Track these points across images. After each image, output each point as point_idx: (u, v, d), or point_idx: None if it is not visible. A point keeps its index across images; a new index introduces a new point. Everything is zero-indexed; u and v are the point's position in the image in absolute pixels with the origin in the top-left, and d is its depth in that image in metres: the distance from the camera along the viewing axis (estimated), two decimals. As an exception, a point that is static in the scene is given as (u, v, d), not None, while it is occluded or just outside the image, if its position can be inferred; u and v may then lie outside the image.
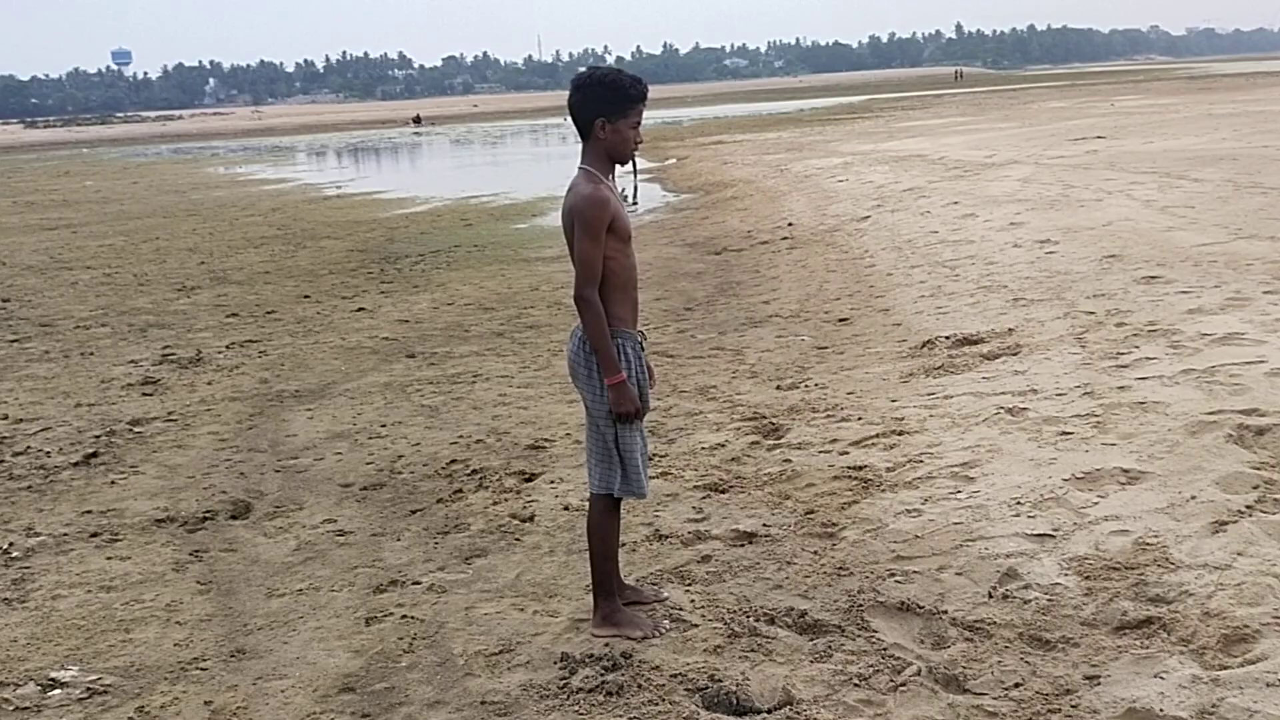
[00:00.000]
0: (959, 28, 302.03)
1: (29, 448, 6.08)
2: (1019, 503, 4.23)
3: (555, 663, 3.37)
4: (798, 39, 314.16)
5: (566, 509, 4.72)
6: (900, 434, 5.26)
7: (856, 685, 3.12)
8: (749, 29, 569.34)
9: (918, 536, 4.08)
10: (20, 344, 9.13)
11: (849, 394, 6.14)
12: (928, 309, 8.07)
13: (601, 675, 3.24)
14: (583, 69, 3.64)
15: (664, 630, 3.50)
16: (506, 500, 4.92)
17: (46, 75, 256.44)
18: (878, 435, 5.28)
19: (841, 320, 8.21)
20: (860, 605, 3.58)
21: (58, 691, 3.39)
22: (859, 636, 3.40)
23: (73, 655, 3.64)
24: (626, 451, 3.48)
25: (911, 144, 23.35)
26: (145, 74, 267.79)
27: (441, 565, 4.26)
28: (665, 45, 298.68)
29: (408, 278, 12.02)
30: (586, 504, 4.71)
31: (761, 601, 3.66)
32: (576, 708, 3.11)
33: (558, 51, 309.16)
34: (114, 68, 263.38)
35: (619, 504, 3.60)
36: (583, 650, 3.41)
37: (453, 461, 5.56)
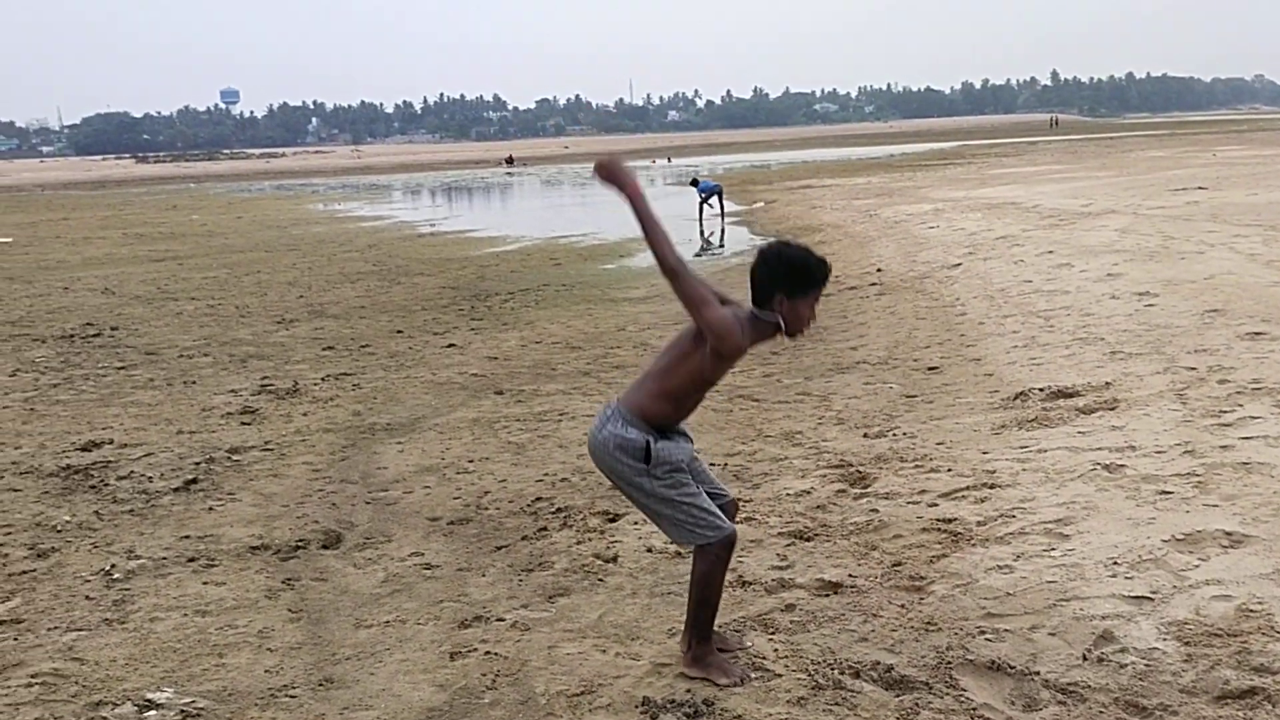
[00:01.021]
0: (1055, 75, 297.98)
1: (132, 472, 6.30)
2: (1116, 563, 4.11)
3: (636, 707, 3.36)
4: (889, 84, 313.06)
5: (649, 551, 4.72)
6: (992, 487, 5.15)
7: (944, 745, 3.05)
8: (840, 74, 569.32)
9: (1009, 594, 3.99)
10: (127, 371, 9.49)
11: (939, 444, 6.04)
12: (1021, 360, 7.92)
13: (683, 722, 3.22)
14: (771, 244, 3.63)
15: (749, 679, 3.48)
16: (590, 540, 4.94)
17: (158, 112, 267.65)
18: (968, 488, 5.18)
19: (931, 369, 8.10)
20: (949, 663, 3.51)
21: (153, 713, 3.49)
22: (947, 695, 3.32)
23: (168, 677, 3.75)
24: (683, 504, 3.44)
25: (1005, 191, 23.03)
26: (251, 112, 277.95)
27: (525, 603, 4.29)
28: (755, 89, 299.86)
29: (497, 315, 12.21)
30: (669, 545, 4.73)
31: (847, 654, 3.61)
32: (657, 753, 3.09)
33: (648, 95, 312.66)
34: (222, 106, 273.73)
35: (729, 549, 3.52)
36: (664, 695, 3.40)
37: (538, 499, 5.60)
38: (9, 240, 24.37)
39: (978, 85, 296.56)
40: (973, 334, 9.13)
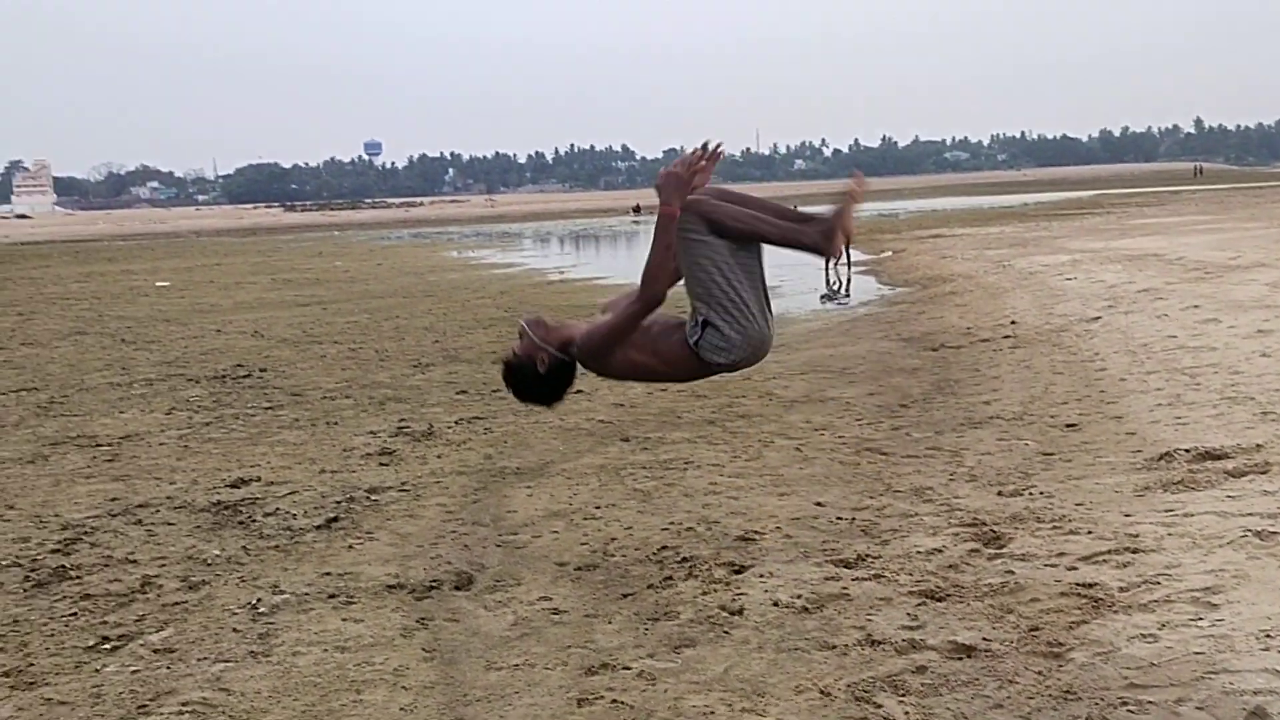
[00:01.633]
0: (1199, 122, 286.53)
1: (278, 509, 6.59)
2: (1269, 635, 3.90)
3: (763, 763, 3.34)
4: (1023, 132, 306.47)
5: (776, 605, 4.69)
6: (1135, 551, 4.96)
7: (1084, 820, 2.94)
8: (971, 121, 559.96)
9: (1154, 664, 3.83)
10: (274, 411, 9.94)
11: (1078, 505, 5.85)
12: (1165, 418, 7.61)
13: (811, 781, 3.18)
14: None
15: None
16: (716, 591, 4.94)
17: (305, 163, 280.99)
18: (1110, 551, 5.00)
19: (1069, 426, 7.85)
20: (1088, 733, 3.39)
21: (295, 743, 3.63)
22: (1087, 767, 3.20)
23: (309, 711, 3.89)
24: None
25: (1147, 242, 22.24)
26: (393, 163, 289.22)
27: (651, 652, 4.31)
28: (884, 137, 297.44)
29: (624, 363, 12.34)
30: (796, 600, 4.70)
31: None
32: (784, 812, 3.07)
33: (775, 144, 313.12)
34: (365, 157, 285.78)
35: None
36: (791, 753, 3.37)
37: (664, 548, 5.63)
38: (167, 284, 25.84)
39: (1116, 133, 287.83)
40: (1113, 390, 8.82)
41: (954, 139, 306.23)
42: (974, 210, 52.21)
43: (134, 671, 4.28)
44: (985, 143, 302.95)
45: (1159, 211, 37.14)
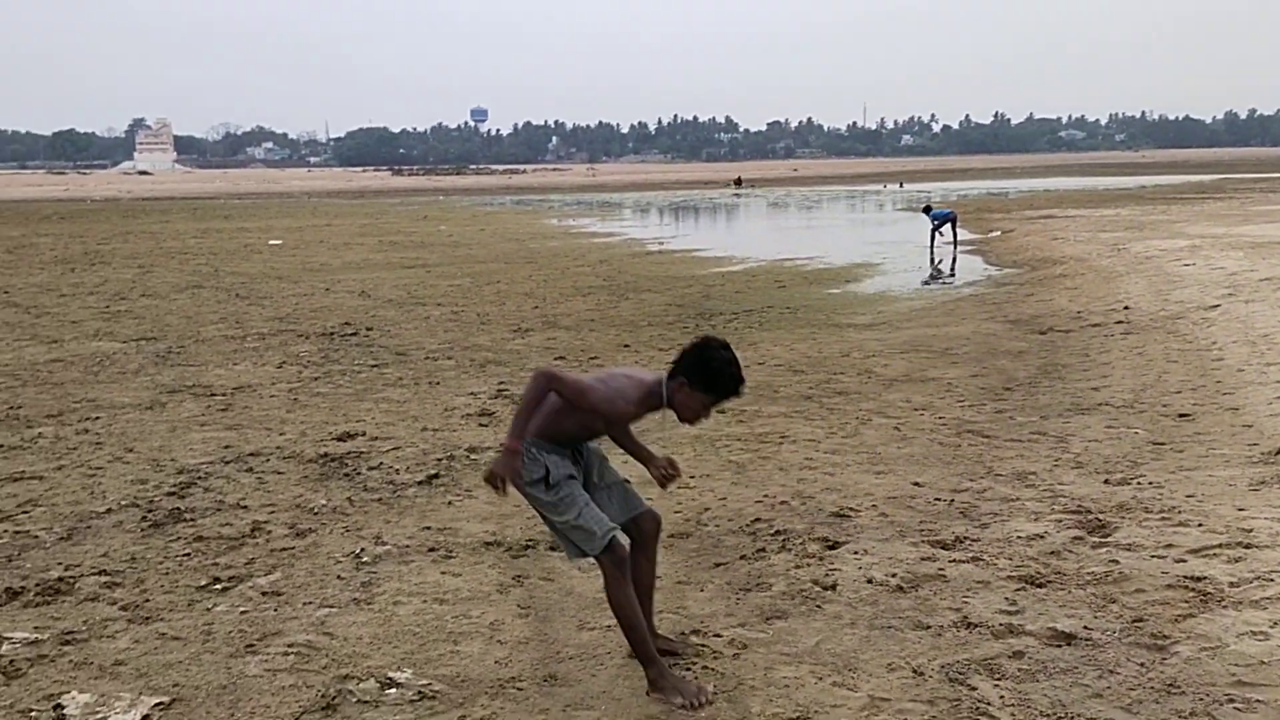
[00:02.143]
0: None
1: (382, 464, 6.77)
2: (1393, 641, 3.74)
3: (853, 737, 3.33)
4: (1143, 112, 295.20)
5: (870, 582, 4.66)
6: (1248, 547, 4.79)
7: (1184, 816, 2.87)
8: (1089, 100, 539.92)
9: (1264, 662, 3.70)
10: (379, 369, 10.19)
11: (1188, 497, 5.66)
12: (1286, 412, 7.30)
13: (901, 758, 3.17)
14: (711, 340, 3.79)
15: (708, 699, 3.59)
16: (809, 565, 4.93)
17: (413, 128, 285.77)
18: (1221, 545, 4.83)
19: (1182, 415, 7.59)
20: (1192, 729, 3.30)
21: (394, 691, 3.74)
22: (1189, 763, 3.12)
23: (408, 659, 4.01)
24: (562, 519, 3.66)
25: (1271, 229, 21.26)
26: (498, 130, 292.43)
27: (742, 622, 4.32)
28: (996, 114, 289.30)
29: (721, 334, 12.29)
30: (891, 578, 4.66)
31: (1079, 708, 3.45)
32: (873, 787, 3.06)
33: (882, 119, 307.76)
34: (471, 124, 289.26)
35: (619, 567, 3.66)
36: (882, 729, 3.35)
37: (757, 520, 5.63)
38: (279, 243, 26.60)
39: (1243, 115, 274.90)
40: (1230, 381, 8.48)
41: (1070, 117, 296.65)
42: (1088, 191, 50.56)
43: (243, 612, 4.46)
44: (1103, 122, 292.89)
45: (1287, 197, 35.43)
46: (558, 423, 3.70)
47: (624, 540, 3.78)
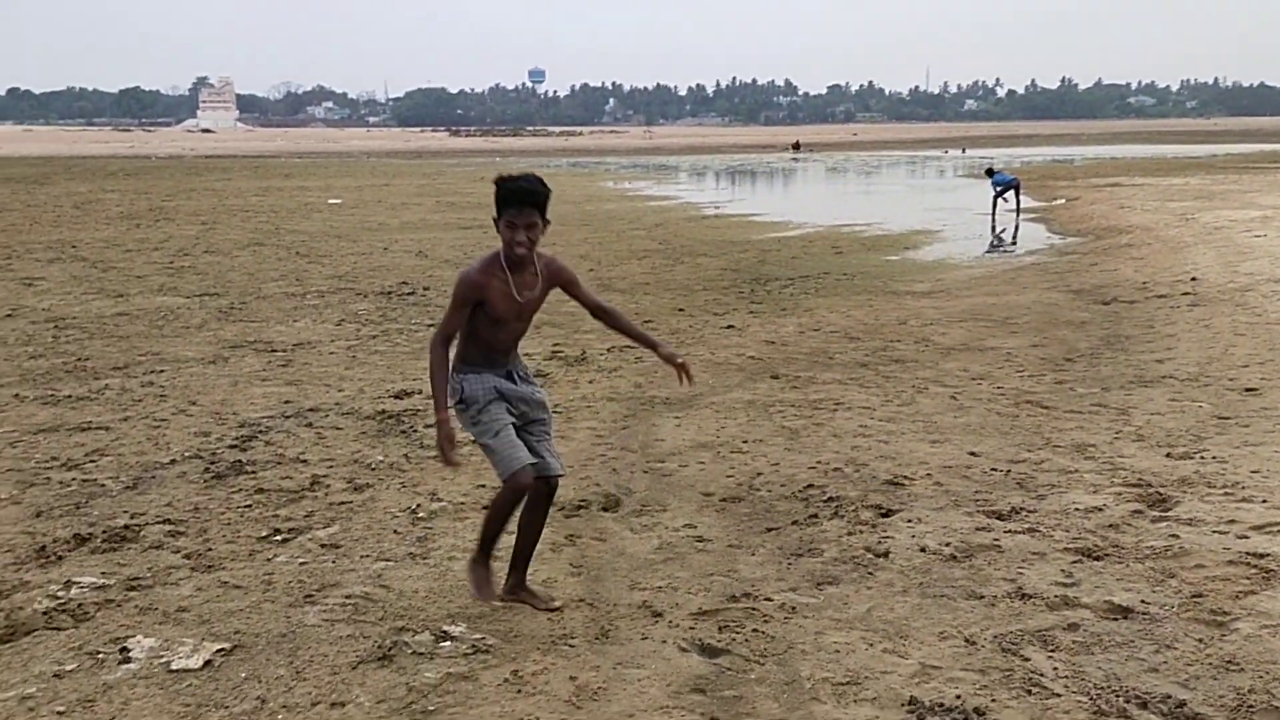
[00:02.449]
0: None
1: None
2: None
3: (903, 705, 3.33)
4: (1216, 78, 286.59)
5: (923, 550, 4.63)
6: (1315, 525, 4.68)
7: (1241, 794, 2.83)
8: (1160, 66, 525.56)
9: (1329, 643, 3.62)
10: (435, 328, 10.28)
11: (1254, 472, 5.54)
12: (1359, 388, 7.10)
13: (951, 726, 3.16)
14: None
15: (492, 605, 4.03)
16: (862, 532, 4.91)
17: (471, 89, 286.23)
18: (1286, 523, 4.73)
19: (1249, 390, 7.41)
20: (1250, 706, 3.25)
21: (448, 644, 3.80)
22: (1247, 741, 3.08)
23: (462, 613, 4.07)
24: (489, 448, 3.95)
25: (1351, 199, 20.58)
26: (555, 92, 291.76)
27: (793, 586, 4.32)
28: (1063, 79, 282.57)
29: (776, 300, 12.26)
30: (945, 547, 4.63)
31: (1134, 682, 3.41)
32: (923, 754, 3.05)
33: (945, 83, 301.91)
34: (529, 85, 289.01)
35: (514, 493, 3.95)
36: (933, 698, 3.35)
37: (810, 486, 5.61)
38: (339, 202, 26.86)
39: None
40: (1302, 356, 8.26)
41: (1140, 83, 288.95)
42: (1157, 159, 49.32)
43: (302, 563, 4.55)
44: (1174, 88, 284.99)
45: (1367, 168, 34.28)
46: (463, 349, 3.98)
47: (530, 478, 3.95)
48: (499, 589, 4.13)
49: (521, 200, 3.88)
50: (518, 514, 4.07)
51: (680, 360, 4.14)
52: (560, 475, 4.15)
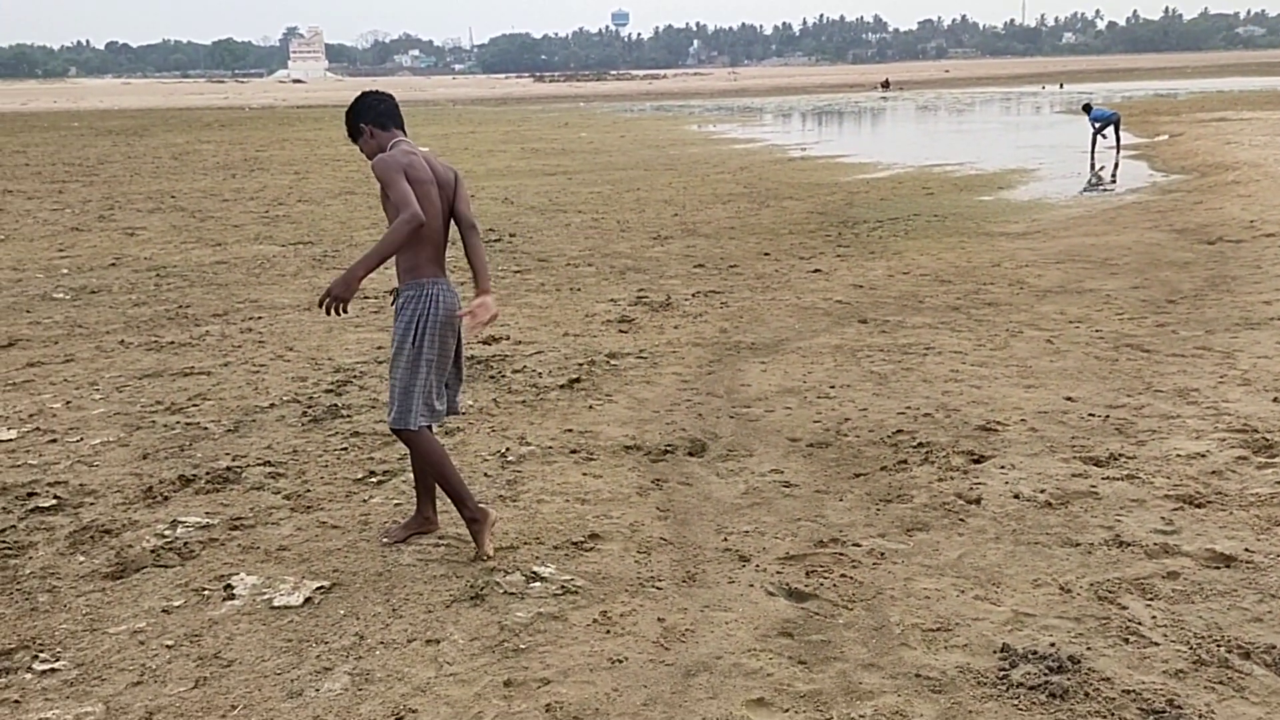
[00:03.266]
0: None
1: (525, 367, 6.92)
2: None
3: (995, 652, 3.29)
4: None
5: (1016, 497, 4.55)
6: None
7: (1350, 749, 2.74)
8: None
9: None
10: (522, 275, 10.35)
11: (1369, 419, 5.30)
12: None
13: (1045, 675, 3.11)
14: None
15: (392, 544, 4.19)
16: (952, 479, 4.84)
17: (555, 34, 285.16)
18: (1404, 471, 4.53)
19: (1365, 333, 7.08)
20: (1362, 660, 3.13)
21: (538, 584, 3.87)
22: (1358, 695, 2.97)
23: (551, 555, 4.13)
24: (396, 380, 3.98)
25: None
26: (638, 34, 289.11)
27: (882, 532, 4.29)
28: (1167, 10, 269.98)
29: (864, 243, 12.05)
30: (1039, 494, 4.54)
31: (1236, 632, 3.32)
32: (1015, 701, 3.02)
33: (1042, 15, 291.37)
34: (612, 28, 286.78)
35: (411, 443, 4.06)
36: (1026, 645, 3.30)
37: (899, 431, 5.54)
38: (427, 150, 27.07)
39: None
40: None
41: (1249, 12, 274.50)
42: (1266, 92, 46.95)
43: (396, 505, 4.66)
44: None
45: None
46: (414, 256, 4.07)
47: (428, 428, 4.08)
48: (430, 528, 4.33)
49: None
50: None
51: (478, 303, 4.06)
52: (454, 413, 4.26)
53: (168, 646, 3.47)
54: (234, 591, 3.84)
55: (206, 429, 5.78)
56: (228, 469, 5.12)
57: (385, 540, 4.22)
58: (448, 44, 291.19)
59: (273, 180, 20.22)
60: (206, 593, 3.85)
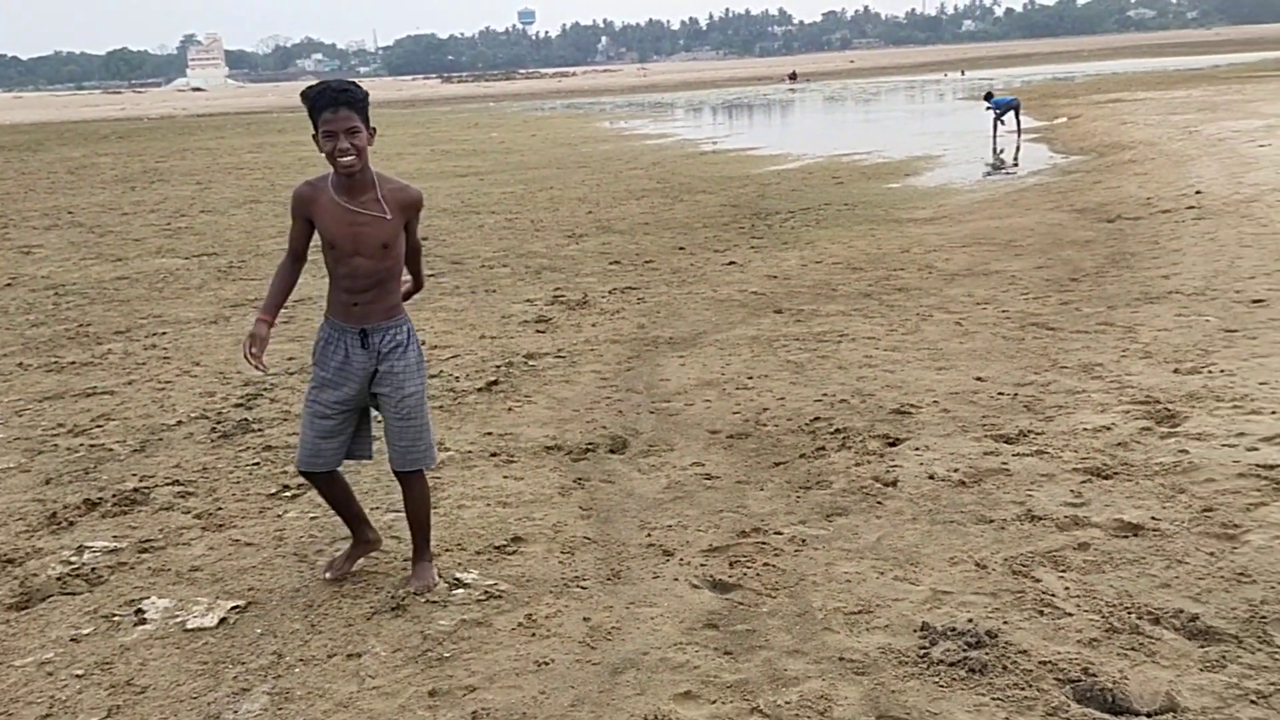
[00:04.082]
0: None
1: (442, 372, 6.83)
2: None
3: (915, 631, 3.34)
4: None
5: (931, 478, 4.63)
6: (1324, 434, 4.66)
7: (1254, 702, 2.84)
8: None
9: (1340, 551, 3.62)
10: (435, 278, 10.23)
11: (1261, 384, 5.51)
12: (1367, 295, 7.04)
13: (964, 651, 3.17)
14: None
15: (332, 578, 3.91)
16: (869, 463, 4.90)
17: (461, 34, 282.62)
18: (1296, 433, 4.71)
19: (1256, 301, 7.36)
20: (1263, 617, 3.25)
21: (461, 591, 3.82)
22: (1259, 650, 3.09)
23: (474, 560, 4.08)
24: (423, 422, 3.83)
25: (1357, 104, 20.29)
26: (546, 33, 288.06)
27: (803, 519, 4.33)
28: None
29: (777, 234, 12.16)
30: (953, 474, 4.62)
31: (1146, 599, 3.42)
32: (936, 679, 3.07)
33: (942, 4, 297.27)
34: (519, 27, 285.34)
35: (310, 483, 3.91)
36: (945, 623, 3.36)
37: (816, 419, 5.60)
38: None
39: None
40: (1309, 265, 8.19)
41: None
42: (1158, 73, 48.60)
43: (312, 518, 4.56)
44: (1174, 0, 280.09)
45: (1373, 71, 33.75)
46: (328, 293, 3.73)
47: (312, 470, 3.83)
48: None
49: (335, 100, 3.45)
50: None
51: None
52: (366, 459, 4.00)
53: (78, 676, 3.35)
54: (145, 616, 3.72)
55: (112, 450, 5.60)
56: (135, 490, 4.96)
57: (328, 576, 3.94)
58: (352, 47, 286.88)
59: (174, 191, 19.68)
60: (116, 618, 3.73)
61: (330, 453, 3.79)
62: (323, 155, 3.51)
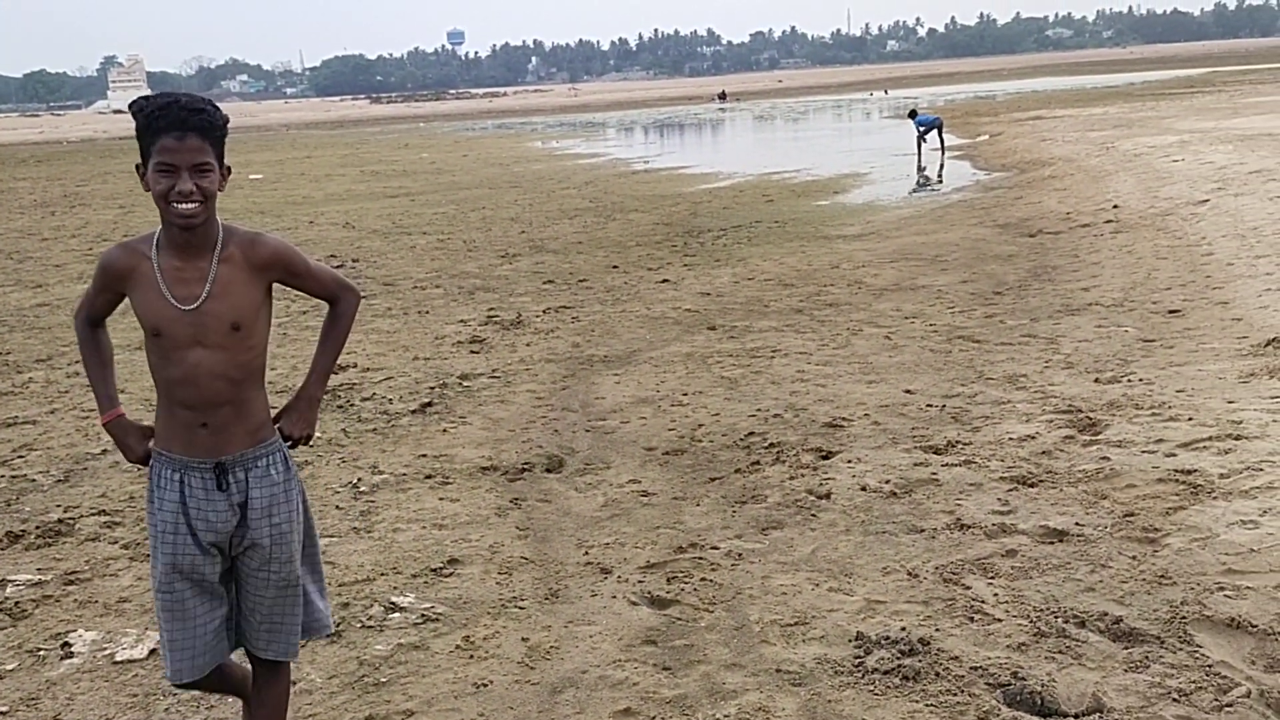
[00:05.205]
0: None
1: (375, 394, 6.77)
2: (1380, 525, 3.80)
3: (850, 641, 3.39)
4: (1130, 7, 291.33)
5: (864, 489, 4.70)
6: (1237, 438, 4.83)
7: (1176, 700, 2.94)
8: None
9: (1253, 550, 3.76)
10: (367, 300, 10.13)
11: (1178, 392, 5.70)
12: (1274, 304, 7.32)
13: (898, 659, 3.23)
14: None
15: None
16: (803, 476, 4.97)
17: (390, 54, 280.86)
18: (1211, 438, 4.88)
19: (1172, 312, 7.61)
20: (1183, 618, 3.36)
21: (397, 615, 3.79)
22: (1180, 650, 3.19)
23: (410, 584, 4.05)
24: (315, 579, 2.76)
25: (1260, 122, 21.08)
26: (476, 53, 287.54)
27: (739, 533, 4.37)
28: (982, 15, 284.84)
29: (710, 251, 12.27)
30: (885, 484, 4.70)
31: (1071, 603, 3.51)
32: (871, 687, 3.12)
33: (867, 25, 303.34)
34: (449, 47, 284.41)
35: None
36: (878, 632, 3.41)
37: (751, 434, 5.66)
38: (260, 177, 26.27)
39: (1231, 6, 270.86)
40: (1220, 276, 8.49)
41: (1057, 15, 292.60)
42: (1076, 91, 50.03)
43: (245, 545, 4.49)
44: (1090, 19, 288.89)
45: (1276, 89, 35.07)
46: (157, 405, 2.64)
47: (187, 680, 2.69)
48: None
49: (181, 123, 2.38)
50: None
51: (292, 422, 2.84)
52: (275, 657, 2.72)
53: (3, 714, 3.26)
54: (72, 649, 3.63)
55: (34, 480, 5.45)
56: (60, 521, 4.84)
57: None
58: (278, 68, 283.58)
59: (96, 216, 19.26)
60: (42, 653, 3.63)
61: (208, 649, 2.65)
62: (150, 196, 2.48)
